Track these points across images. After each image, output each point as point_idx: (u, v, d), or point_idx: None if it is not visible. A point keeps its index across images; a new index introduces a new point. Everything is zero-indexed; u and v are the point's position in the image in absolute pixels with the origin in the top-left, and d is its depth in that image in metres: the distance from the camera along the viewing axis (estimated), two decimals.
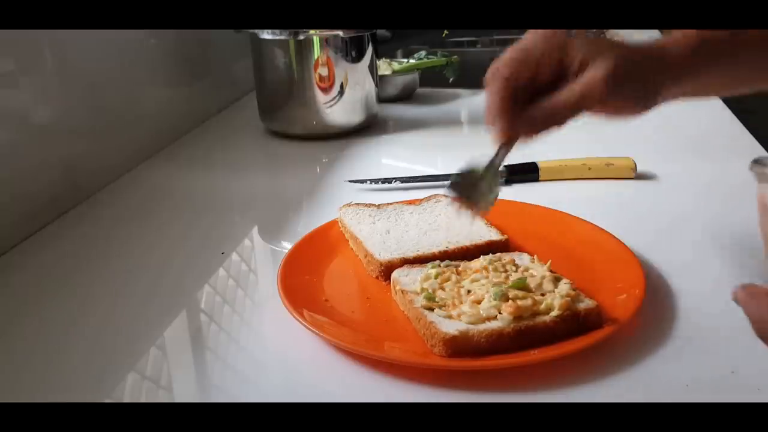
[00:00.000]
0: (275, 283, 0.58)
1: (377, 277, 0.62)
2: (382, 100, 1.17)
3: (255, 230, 0.78)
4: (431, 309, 0.53)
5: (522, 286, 0.54)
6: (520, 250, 0.63)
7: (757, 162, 0.37)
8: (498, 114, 0.53)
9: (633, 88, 0.52)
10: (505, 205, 0.71)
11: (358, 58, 1.05)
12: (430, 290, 0.55)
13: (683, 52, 0.53)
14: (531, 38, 0.55)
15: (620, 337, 0.51)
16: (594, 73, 0.51)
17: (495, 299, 0.52)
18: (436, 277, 0.56)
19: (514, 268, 0.57)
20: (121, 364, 0.53)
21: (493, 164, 0.55)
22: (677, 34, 0.55)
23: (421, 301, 0.54)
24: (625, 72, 0.51)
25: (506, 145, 0.54)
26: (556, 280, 0.55)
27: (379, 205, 0.73)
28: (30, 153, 0.76)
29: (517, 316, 0.50)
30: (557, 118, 0.52)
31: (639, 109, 0.54)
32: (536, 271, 0.57)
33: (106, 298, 0.63)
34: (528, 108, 0.53)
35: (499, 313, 0.51)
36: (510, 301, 0.51)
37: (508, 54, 0.55)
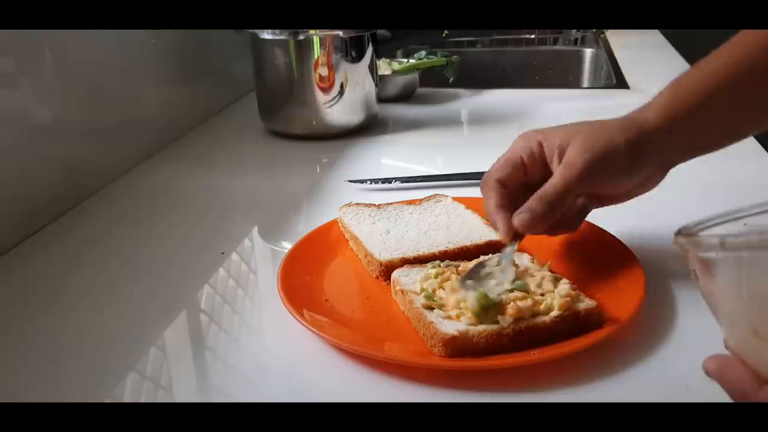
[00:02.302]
0: (275, 283, 0.58)
1: (377, 277, 0.62)
2: (382, 100, 1.17)
3: (255, 230, 0.78)
4: (431, 309, 0.53)
5: (520, 288, 0.54)
6: (520, 250, 0.63)
7: (679, 233, 0.35)
8: (497, 215, 0.57)
9: (611, 160, 0.54)
10: None
11: (358, 58, 1.05)
12: (430, 290, 0.55)
13: (657, 115, 0.55)
14: (515, 143, 0.59)
15: (620, 337, 0.51)
16: (570, 154, 0.55)
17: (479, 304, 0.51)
18: (436, 277, 0.56)
19: (514, 268, 0.57)
20: (121, 364, 0.53)
21: (501, 260, 0.57)
22: (648, 103, 0.57)
23: (421, 301, 0.54)
24: (598, 145, 0.54)
25: (513, 240, 0.56)
26: (556, 280, 0.55)
27: (379, 205, 0.73)
28: (30, 153, 0.76)
29: (518, 317, 0.50)
30: (551, 204, 0.54)
31: (632, 176, 0.56)
32: (536, 271, 0.57)
33: (106, 298, 0.63)
34: (526, 203, 0.55)
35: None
36: (511, 303, 0.51)
37: (495, 163, 0.59)
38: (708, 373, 0.37)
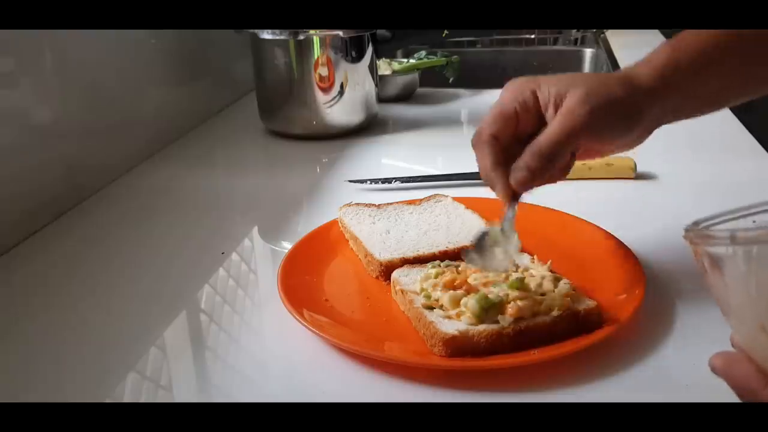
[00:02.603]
0: (275, 283, 0.58)
1: (377, 277, 0.62)
2: (382, 100, 1.17)
3: (255, 230, 0.78)
4: (431, 309, 0.53)
5: (521, 285, 0.54)
6: (520, 250, 0.63)
7: (688, 230, 0.35)
8: (493, 174, 0.54)
9: (612, 111, 0.53)
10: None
11: (358, 58, 1.05)
12: (429, 290, 0.55)
13: (653, 75, 0.54)
14: (504, 94, 0.56)
15: (620, 337, 0.51)
16: (570, 102, 0.52)
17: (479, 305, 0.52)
18: (436, 277, 0.56)
19: (514, 268, 0.57)
20: (121, 364, 0.53)
21: (503, 225, 0.55)
22: (644, 60, 0.56)
23: (420, 300, 0.54)
24: (600, 95, 0.52)
25: (512, 201, 0.54)
26: (556, 280, 0.55)
27: (379, 205, 0.73)
28: (30, 153, 0.76)
29: (518, 317, 0.50)
30: (548, 156, 0.52)
31: (630, 129, 0.54)
32: (536, 271, 0.57)
33: (105, 298, 0.63)
34: (520, 158, 0.53)
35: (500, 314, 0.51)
36: (511, 303, 0.51)
37: (487, 117, 0.55)
38: (714, 369, 0.37)
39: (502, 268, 0.53)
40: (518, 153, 0.53)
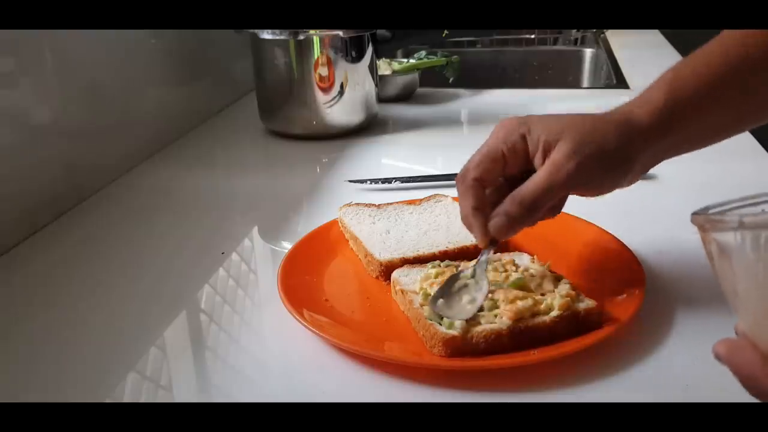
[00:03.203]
0: (275, 283, 0.58)
1: (377, 277, 0.62)
2: (382, 100, 1.17)
3: (255, 230, 0.78)
4: None
5: (521, 285, 0.54)
6: (520, 250, 0.63)
7: (697, 214, 0.36)
8: (472, 219, 0.53)
9: (601, 165, 0.51)
10: None
11: (358, 58, 1.05)
12: (429, 290, 0.55)
13: (651, 116, 0.52)
14: (494, 135, 0.55)
15: (620, 337, 0.51)
16: (557, 155, 0.51)
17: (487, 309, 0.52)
18: (436, 277, 0.56)
19: (514, 268, 0.57)
20: (121, 364, 0.53)
21: (475, 269, 0.54)
22: (641, 99, 0.54)
23: (419, 300, 0.54)
24: (590, 147, 0.51)
25: (489, 246, 0.54)
26: (556, 280, 0.55)
27: (379, 205, 0.73)
28: (30, 153, 0.76)
29: (518, 318, 0.50)
30: (529, 207, 0.51)
31: (619, 179, 0.53)
32: (536, 271, 0.57)
33: (106, 298, 0.63)
34: (501, 205, 0.52)
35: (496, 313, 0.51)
36: (510, 304, 0.51)
37: (474, 157, 0.54)
38: (718, 356, 0.37)
39: (465, 315, 0.51)
40: (503, 193, 0.53)
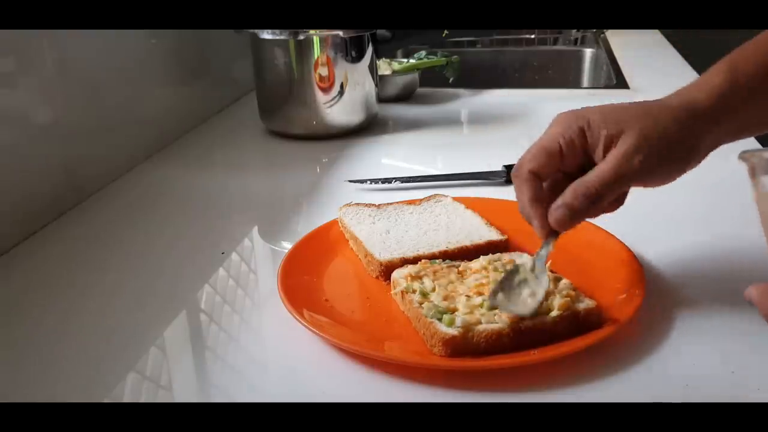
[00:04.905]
0: (275, 283, 0.58)
1: (377, 277, 0.62)
2: (382, 100, 1.17)
3: (255, 230, 0.78)
4: (426, 295, 0.54)
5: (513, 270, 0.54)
6: (520, 250, 0.63)
7: (745, 153, 0.37)
8: (531, 210, 0.53)
9: (668, 156, 0.51)
10: (505, 204, 0.71)
11: (358, 58, 1.05)
12: (428, 289, 0.55)
13: (711, 99, 0.51)
14: (550, 129, 0.54)
15: (620, 337, 0.51)
16: (623, 148, 0.50)
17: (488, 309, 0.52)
18: (418, 274, 0.57)
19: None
20: (121, 364, 0.53)
21: (535, 263, 0.54)
22: (701, 83, 0.53)
23: (419, 299, 0.54)
24: (654, 139, 0.50)
25: (549, 238, 0.53)
26: (556, 280, 0.55)
27: (379, 205, 0.73)
28: (30, 153, 0.76)
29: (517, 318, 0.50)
30: (593, 198, 0.50)
31: (683, 167, 0.52)
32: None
33: (106, 297, 0.63)
34: (562, 196, 0.51)
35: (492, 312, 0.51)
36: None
37: (529, 150, 0.54)
38: (750, 299, 0.37)
39: (527, 311, 0.50)
40: (561, 186, 0.52)
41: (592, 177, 0.51)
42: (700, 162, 0.54)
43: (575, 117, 0.53)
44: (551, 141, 0.53)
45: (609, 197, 0.51)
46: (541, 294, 0.52)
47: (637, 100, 0.54)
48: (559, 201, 0.51)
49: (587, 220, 0.67)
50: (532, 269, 0.54)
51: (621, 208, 0.59)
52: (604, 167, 0.51)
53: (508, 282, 0.53)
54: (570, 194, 0.51)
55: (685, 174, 0.54)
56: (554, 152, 0.52)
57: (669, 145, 0.51)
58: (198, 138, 1.10)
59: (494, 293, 0.52)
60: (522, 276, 0.53)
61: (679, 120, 0.51)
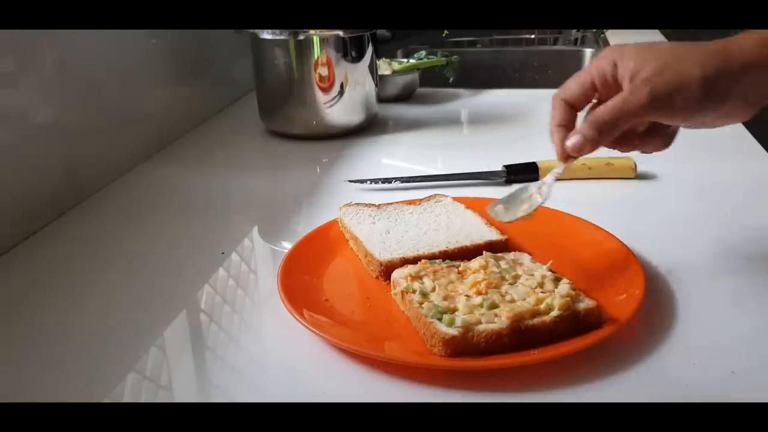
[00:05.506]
0: (275, 283, 0.58)
1: (377, 277, 0.62)
2: (382, 100, 1.17)
3: (255, 230, 0.78)
4: (426, 295, 0.54)
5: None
6: (520, 250, 0.63)
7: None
8: (555, 133, 0.55)
9: (679, 93, 0.50)
10: None
11: (358, 58, 1.05)
12: (428, 288, 0.55)
13: (757, 46, 0.50)
14: (592, 61, 0.56)
15: (620, 337, 0.51)
16: (636, 81, 0.51)
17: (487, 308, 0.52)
18: (418, 274, 0.57)
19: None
20: (121, 364, 0.53)
21: (548, 176, 0.56)
22: (745, 32, 0.52)
23: (417, 299, 0.54)
24: (669, 75, 0.50)
25: (565, 162, 0.55)
26: (556, 280, 0.55)
27: (379, 205, 0.73)
28: (30, 153, 0.76)
29: (517, 318, 0.50)
30: (602, 129, 0.52)
31: (704, 110, 0.51)
32: (536, 271, 0.57)
33: (106, 297, 0.63)
34: (580, 124, 0.53)
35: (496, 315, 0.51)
36: (510, 304, 0.51)
37: (570, 79, 0.56)
38: None
39: (513, 218, 0.54)
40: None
41: (603, 108, 0.52)
42: (731, 112, 0.52)
43: (612, 51, 0.54)
44: (586, 72, 0.55)
45: (617, 128, 0.52)
46: (536, 205, 0.55)
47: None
48: (577, 128, 0.54)
49: (588, 220, 0.68)
50: (542, 185, 0.56)
51: (621, 207, 0.59)
52: (615, 99, 0.52)
53: (514, 197, 0.56)
54: (585, 123, 0.53)
55: (738, 121, 0.53)
56: (586, 82, 0.55)
57: (684, 81, 0.50)
58: (198, 138, 1.10)
59: (495, 204, 0.55)
60: (528, 194, 0.56)
61: (706, 59, 0.50)
